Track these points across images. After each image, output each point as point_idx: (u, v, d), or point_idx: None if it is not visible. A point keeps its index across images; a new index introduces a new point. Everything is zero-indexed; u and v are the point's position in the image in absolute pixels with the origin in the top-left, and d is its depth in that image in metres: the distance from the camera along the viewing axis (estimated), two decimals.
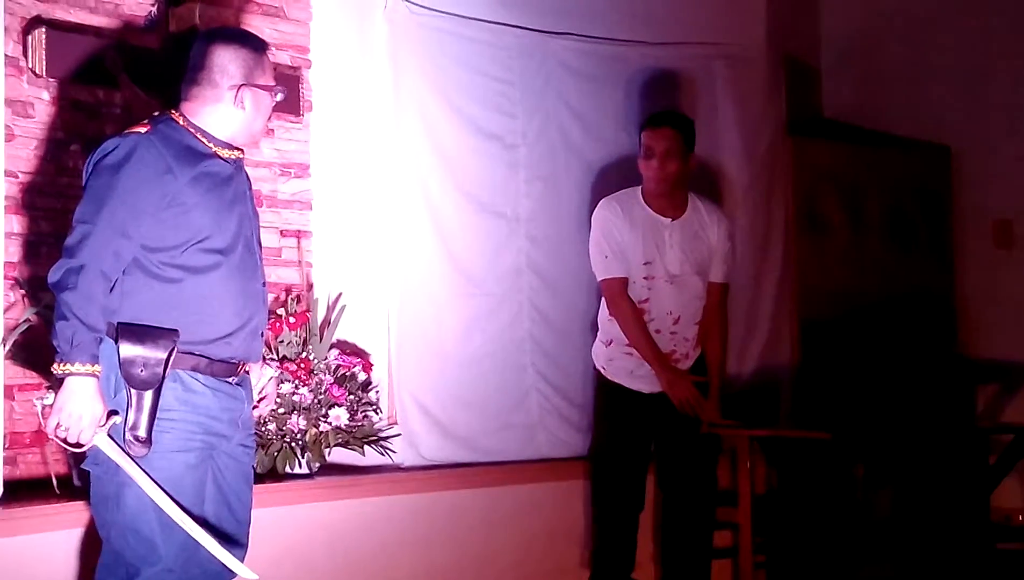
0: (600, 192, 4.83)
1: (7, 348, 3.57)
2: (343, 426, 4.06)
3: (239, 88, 3.06)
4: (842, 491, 4.86)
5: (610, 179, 4.94)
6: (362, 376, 4.21)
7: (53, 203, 3.85)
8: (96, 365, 2.84)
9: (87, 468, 3.00)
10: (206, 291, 2.98)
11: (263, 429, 3.91)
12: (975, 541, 5.04)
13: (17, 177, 3.79)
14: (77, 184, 3.75)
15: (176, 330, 2.93)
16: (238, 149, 3.14)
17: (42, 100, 3.87)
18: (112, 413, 2.88)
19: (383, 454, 4.24)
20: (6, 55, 3.69)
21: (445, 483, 4.44)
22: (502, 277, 4.83)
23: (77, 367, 2.81)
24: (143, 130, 2.98)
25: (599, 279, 4.46)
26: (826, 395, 5.43)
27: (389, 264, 4.55)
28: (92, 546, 3.40)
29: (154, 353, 2.89)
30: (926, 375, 5.67)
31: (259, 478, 3.26)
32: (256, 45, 3.14)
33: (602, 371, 4.52)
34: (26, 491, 3.62)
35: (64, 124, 3.91)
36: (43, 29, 3.80)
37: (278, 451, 4.00)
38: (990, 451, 5.38)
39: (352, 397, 4.13)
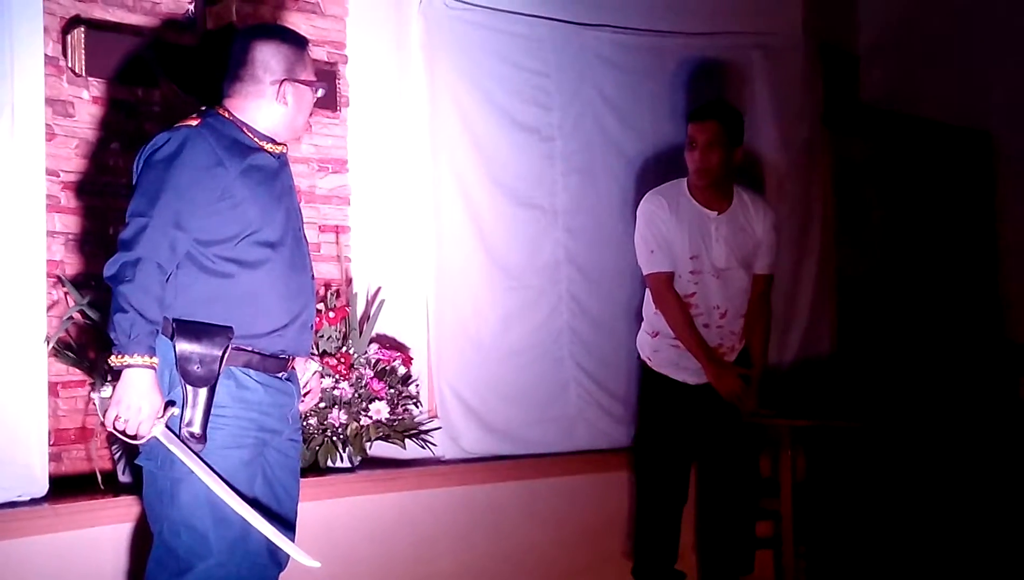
0: (637, 183, 4.81)
1: (51, 345, 3.60)
2: (384, 420, 4.07)
3: (281, 83, 3.07)
4: (882, 480, 4.82)
5: (646, 170, 4.93)
6: (402, 370, 4.21)
7: (94, 202, 3.88)
8: (154, 357, 2.85)
9: (140, 464, 3.01)
10: (258, 285, 2.99)
11: (304, 423, 3.93)
12: (1018, 527, 5.00)
13: (58, 176, 3.82)
14: (118, 182, 3.82)
15: (230, 327, 2.94)
16: (282, 144, 3.15)
17: (82, 99, 3.90)
18: (169, 404, 2.90)
19: (424, 447, 4.24)
20: (46, 55, 3.72)
21: (486, 476, 4.44)
22: (540, 269, 4.82)
23: (136, 359, 2.82)
24: (194, 123, 3.00)
25: (645, 273, 4.41)
26: (865, 385, 5.40)
27: (427, 258, 4.56)
28: (139, 541, 3.44)
29: (210, 350, 2.90)
30: (969, 362, 5.62)
31: (301, 472, 3.27)
32: (297, 41, 3.16)
33: (647, 362, 4.49)
34: (71, 487, 3.64)
35: (104, 123, 3.93)
36: (82, 29, 3.83)
37: (320, 445, 4.02)
38: None
39: (392, 391, 4.14)
